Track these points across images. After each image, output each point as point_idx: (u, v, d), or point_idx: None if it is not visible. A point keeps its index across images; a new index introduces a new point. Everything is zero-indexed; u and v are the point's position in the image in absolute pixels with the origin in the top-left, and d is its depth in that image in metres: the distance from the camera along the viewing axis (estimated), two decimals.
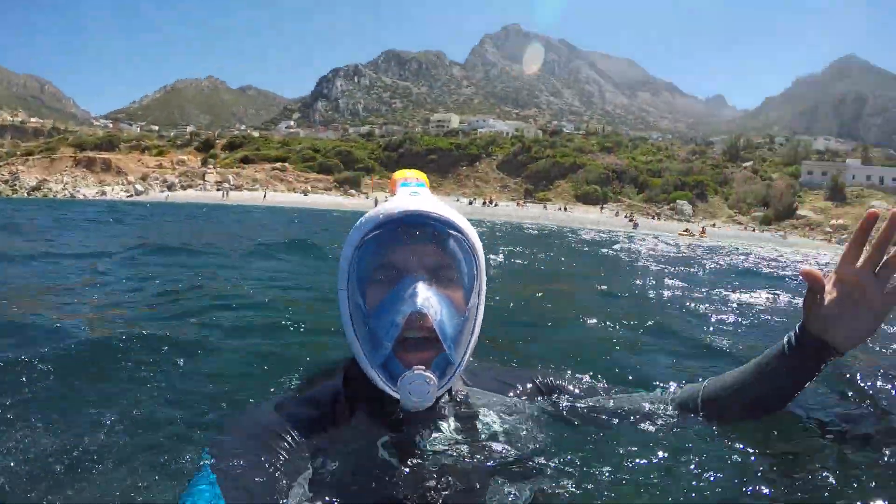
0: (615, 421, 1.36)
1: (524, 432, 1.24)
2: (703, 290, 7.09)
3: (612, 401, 1.43)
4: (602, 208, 60.28)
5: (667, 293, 6.50)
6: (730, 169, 79.67)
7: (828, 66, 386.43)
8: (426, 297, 1.08)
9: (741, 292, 6.66)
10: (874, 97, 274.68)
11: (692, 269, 11.01)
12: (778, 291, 6.72)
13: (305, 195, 58.98)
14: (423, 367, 1.08)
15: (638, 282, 7.50)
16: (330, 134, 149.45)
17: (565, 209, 56.55)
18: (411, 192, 1.23)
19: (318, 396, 1.23)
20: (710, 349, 3.23)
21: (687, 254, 17.50)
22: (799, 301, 1.21)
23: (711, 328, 4.08)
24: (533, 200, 65.50)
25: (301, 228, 17.70)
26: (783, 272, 12.47)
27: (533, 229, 27.81)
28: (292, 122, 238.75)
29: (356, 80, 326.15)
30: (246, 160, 76.53)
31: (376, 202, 44.31)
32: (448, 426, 1.19)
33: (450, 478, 1.07)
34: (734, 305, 5.67)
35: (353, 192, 65.40)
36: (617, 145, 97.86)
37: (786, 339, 1.22)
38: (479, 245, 1.22)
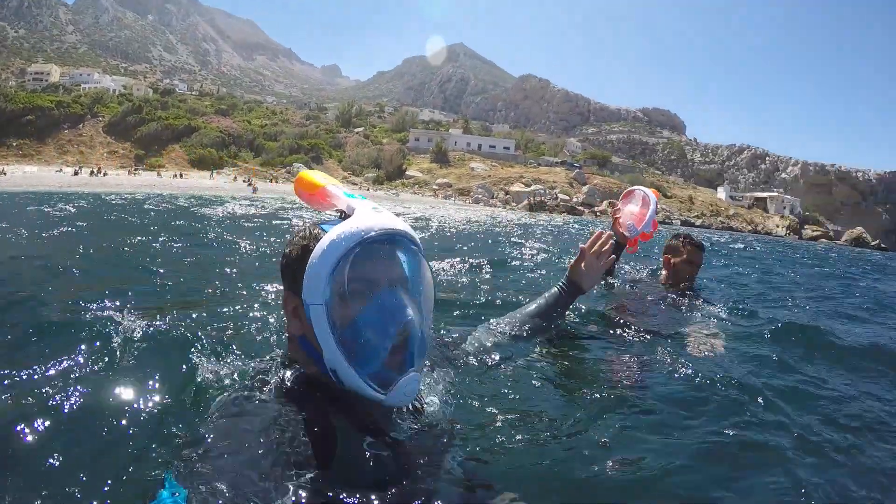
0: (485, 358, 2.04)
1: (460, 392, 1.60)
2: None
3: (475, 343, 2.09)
4: (213, 174, 56.57)
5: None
6: (343, 134, 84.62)
7: (438, 51, 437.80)
8: (408, 306, 1.22)
9: None
10: (476, 80, 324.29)
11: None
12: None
13: None
14: (416, 370, 1.24)
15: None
16: None
17: (181, 176, 53.00)
18: (373, 207, 1.31)
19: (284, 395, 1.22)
20: None
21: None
22: None
23: None
24: (145, 167, 59.25)
25: None
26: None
27: (143, 199, 25.42)
28: None
29: None
30: None
31: None
32: (413, 407, 1.41)
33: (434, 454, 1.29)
34: None
35: None
36: (232, 108, 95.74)
37: (558, 285, 2.22)
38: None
